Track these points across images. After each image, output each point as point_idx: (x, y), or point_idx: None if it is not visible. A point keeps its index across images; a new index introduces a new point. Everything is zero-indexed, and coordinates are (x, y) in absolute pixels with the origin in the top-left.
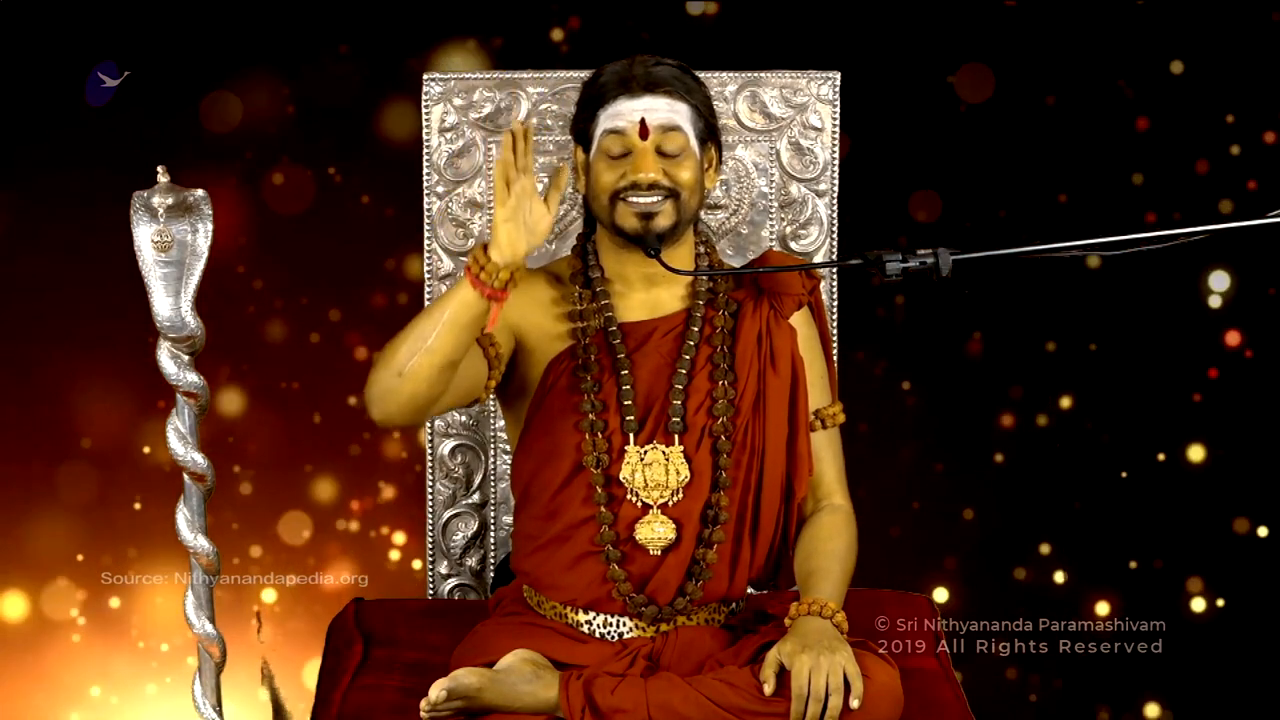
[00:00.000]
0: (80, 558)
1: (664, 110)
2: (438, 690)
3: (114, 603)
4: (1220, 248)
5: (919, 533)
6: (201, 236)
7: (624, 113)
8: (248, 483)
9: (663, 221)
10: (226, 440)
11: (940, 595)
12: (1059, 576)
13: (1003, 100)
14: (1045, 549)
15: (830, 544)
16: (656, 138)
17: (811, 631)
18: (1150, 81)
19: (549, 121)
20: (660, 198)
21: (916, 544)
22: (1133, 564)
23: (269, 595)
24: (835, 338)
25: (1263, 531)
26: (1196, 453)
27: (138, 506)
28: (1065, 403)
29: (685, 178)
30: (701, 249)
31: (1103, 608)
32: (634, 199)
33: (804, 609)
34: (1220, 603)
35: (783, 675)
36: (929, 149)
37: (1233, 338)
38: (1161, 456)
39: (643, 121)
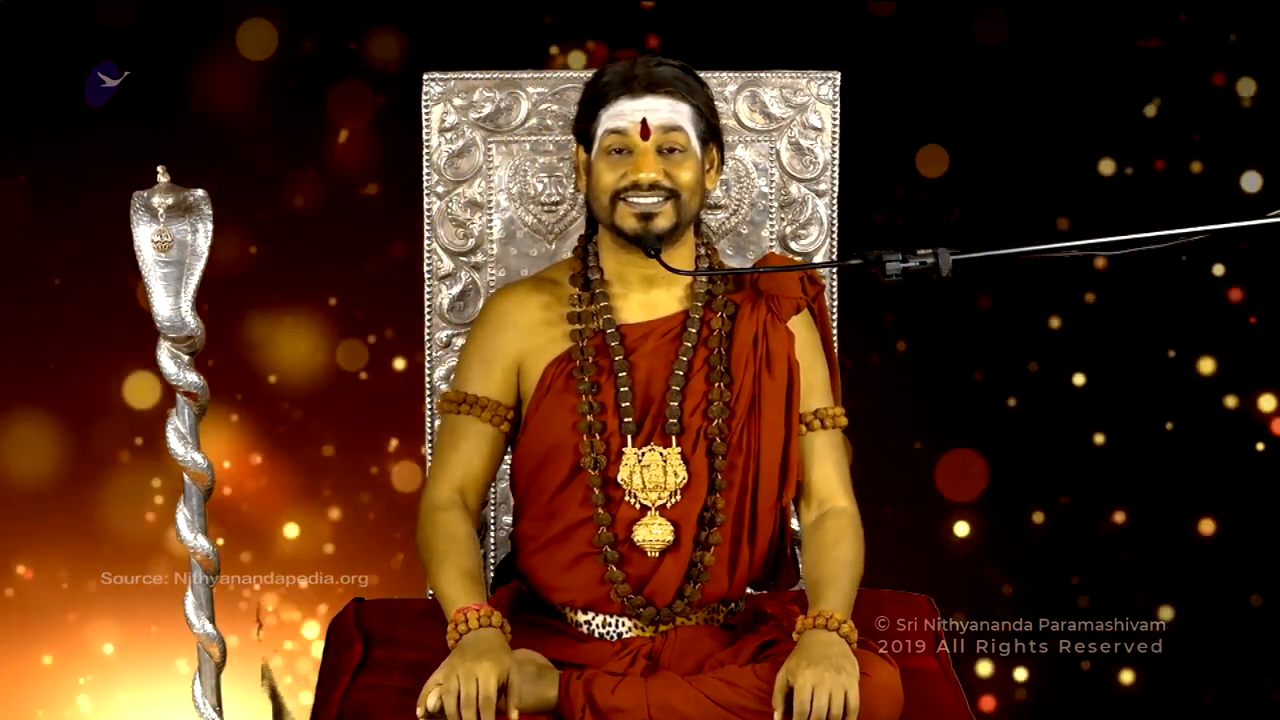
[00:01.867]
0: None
1: (665, 110)
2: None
3: (114, 601)
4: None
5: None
6: (201, 236)
7: (626, 112)
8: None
9: (662, 222)
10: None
11: (961, 530)
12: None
13: (1017, 44)
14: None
15: (836, 549)
16: (658, 138)
17: (818, 646)
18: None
19: (549, 121)
20: (660, 198)
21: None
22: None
23: (269, 596)
24: (836, 337)
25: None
26: (1207, 364)
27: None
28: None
29: (686, 179)
30: (702, 250)
31: (1120, 515)
32: (634, 199)
33: (810, 622)
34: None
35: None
36: (938, 98)
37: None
38: (1172, 353)
39: (644, 121)
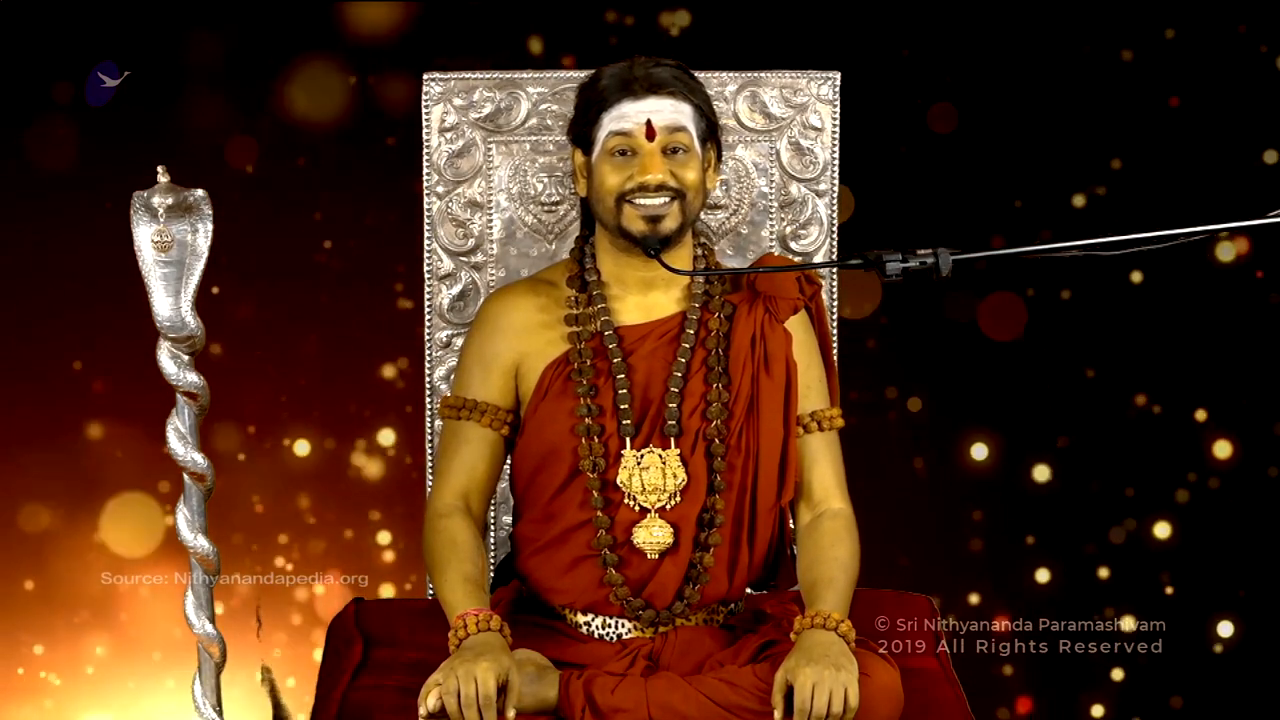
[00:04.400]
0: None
1: (669, 111)
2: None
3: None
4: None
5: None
6: (201, 236)
7: (629, 114)
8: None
9: (669, 224)
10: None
11: (979, 452)
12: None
13: None
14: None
15: (833, 550)
16: (663, 138)
17: (817, 645)
18: None
19: (549, 121)
20: (667, 199)
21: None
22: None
23: (269, 595)
24: (835, 339)
25: None
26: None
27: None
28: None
29: (690, 178)
30: (700, 251)
31: (1141, 399)
32: (641, 202)
33: (808, 622)
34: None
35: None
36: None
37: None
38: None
39: (649, 123)
